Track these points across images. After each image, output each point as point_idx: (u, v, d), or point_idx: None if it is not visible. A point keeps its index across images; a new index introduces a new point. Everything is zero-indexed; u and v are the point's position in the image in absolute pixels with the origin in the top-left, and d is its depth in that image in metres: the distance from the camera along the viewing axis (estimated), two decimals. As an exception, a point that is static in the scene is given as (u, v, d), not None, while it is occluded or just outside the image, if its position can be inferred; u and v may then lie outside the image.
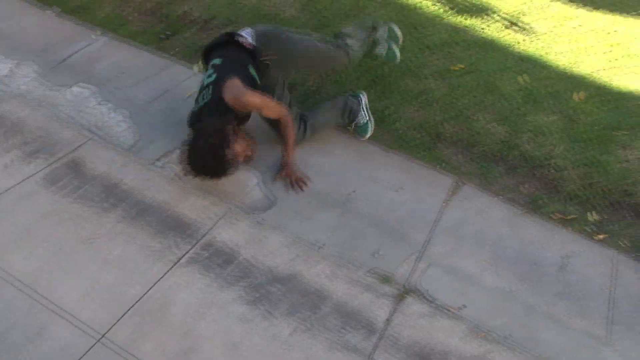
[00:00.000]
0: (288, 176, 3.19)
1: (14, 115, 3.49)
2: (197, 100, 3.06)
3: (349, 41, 3.56)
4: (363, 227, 3.00)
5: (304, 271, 2.70)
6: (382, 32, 3.83)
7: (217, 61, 3.08)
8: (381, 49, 3.83)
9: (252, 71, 3.07)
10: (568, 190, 3.40)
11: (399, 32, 3.94)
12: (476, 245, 2.99)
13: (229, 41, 3.15)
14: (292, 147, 3.20)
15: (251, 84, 3.00)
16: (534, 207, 3.30)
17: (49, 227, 2.79)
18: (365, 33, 3.72)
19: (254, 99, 2.93)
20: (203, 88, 3.04)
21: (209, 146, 2.74)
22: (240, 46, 3.11)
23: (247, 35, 3.18)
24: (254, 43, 3.15)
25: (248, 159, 3.03)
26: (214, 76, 2.99)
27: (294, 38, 3.32)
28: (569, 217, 3.25)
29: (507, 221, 3.17)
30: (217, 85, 2.93)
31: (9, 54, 4.08)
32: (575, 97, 4.19)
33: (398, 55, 3.87)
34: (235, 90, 2.86)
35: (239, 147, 2.87)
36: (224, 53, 3.11)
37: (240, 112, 2.97)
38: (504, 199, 3.33)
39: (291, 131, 3.15)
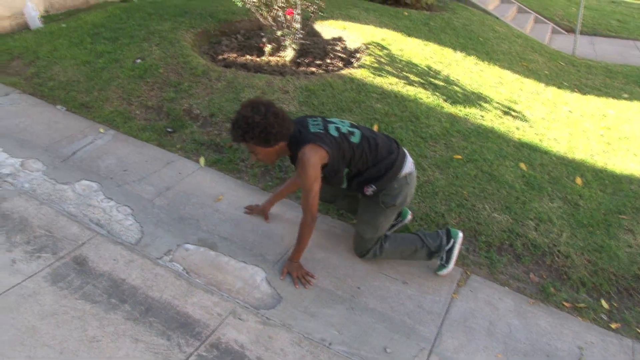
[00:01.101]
0: (291, 272, 3.18)
1: (19, 212, 3.50)
2: (326, 123, 3.02)
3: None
4: (371, 322, 2.95)
5: (313, 371, 2.62)
6: None
7: (357, 136, 3.01)
8: None
9: (345, 174, 3.06)
10: (577, 277, 3.37)
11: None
12: (487, 338, 2.92)
13: (392, 148, 3.09)
14: (303, 248, 3.15)
15: (331, 173, 3.00)
16: (543, 296, 3.26)
17: (53, 326, 2.73)
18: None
19: (309, 174, 2.86)
20: (332, 124, 3.02)
21: (251, 122, 2.80)
22: (387, 162, 3.03)
23: (409, 165, 3.11)
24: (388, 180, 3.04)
25: (253, 156, 3.05)
26: (337, 131, 2.97)
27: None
28: (580, 305, 3.21)
29: (517, 312, 3.12)
30: (322, 139, 2.88)
31: (15, 152, 4.15)
32: (575, 182, 4.24)
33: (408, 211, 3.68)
34: (313, 154, 2.84)
35: (260, 149, 2.92)
36: (368, 144, 3.01)
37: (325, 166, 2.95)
38: (512, 289, 3.30)
39: (307, 233, 3.07)
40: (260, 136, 2.82)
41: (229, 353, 2.66)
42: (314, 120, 3.01)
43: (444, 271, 3.28)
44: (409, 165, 3.06)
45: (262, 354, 2.68)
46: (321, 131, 2.91)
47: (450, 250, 3.24)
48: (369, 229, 3.18)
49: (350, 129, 3.01)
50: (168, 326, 2.78)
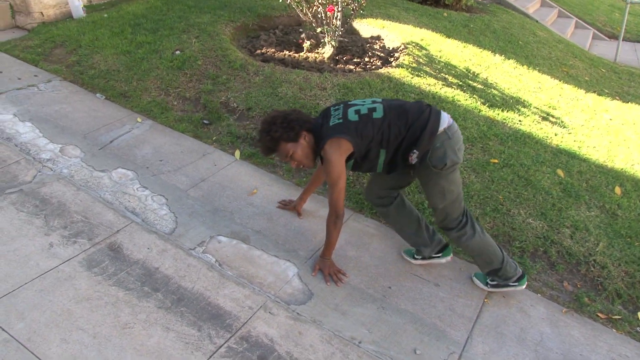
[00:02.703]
0: (323, 269, 3.18)
1: (58, 197, 3.58)
2: (347, 108, 2.88)
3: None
4: (402, 323, 2.93)
5: (341, 368, 2.62)
6: None
7: (379, 110, 2.83)
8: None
9: (382, 156, 2.88)
10: (613, 288, 3.30)
11: None
12: (518, 345, 2.88)
13: (422, 108, 2.85)
14: (332, 244, 3.10)
15: (363, 158, 2.88)
16: (577, 305, 3.20)
17: (87, 310, 2.78)
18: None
19: (332, 170, 2.77)
20: (352, 107, 2.88)
21: (270, 121, 2.88)
22: (420, 122, 2.78)
23: (446, 119, 2.83)
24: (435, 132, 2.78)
25: (292, 162, 2.97)
26: (357, 114, 2.82)
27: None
28: (615, 317, 3.13)
29: (549, 320, 3.07)
30: (341, 129, 2.78)
31: (55, 138, 4.24)
32: (613, 191, 4.15)
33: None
34: (335, 149, 2.75)
35: (291, 146, 2.87)
36: (395, 112, 2.83)
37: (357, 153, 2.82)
38: (545, 296, 3.24)
39: (332, 229, 3.00)
40: (283, 125, 2.84)
41: (259, 347, 2.68)
42: (336, 110, 2.91)
43: (480, 283, 3.24)
44: (445, 120, 2.80)
45: (291, 349, 2.68)
46: (340, 121, 2.81)
47: (506, 286, 3.17)
48: (437, 197, 2.93)
49: (372, 106, 2.86)
50: (199, 317, 2.81)
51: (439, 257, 3.31)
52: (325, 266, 3.17)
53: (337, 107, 2.94)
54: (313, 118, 3.00)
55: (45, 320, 2.70)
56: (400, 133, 2.78)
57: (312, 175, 3.57)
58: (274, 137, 2.84)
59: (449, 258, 3.33)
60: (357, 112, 2.83)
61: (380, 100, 2.92)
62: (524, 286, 3.15)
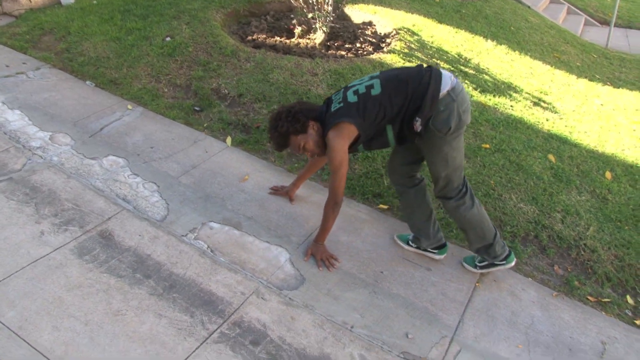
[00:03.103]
0: (315, 254, 3.18)
1: (48, 185, 3.55)
2: (346, 91, 2.85)
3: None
4: (394, 307, 2.94)
5: (334, 353, 2.63)
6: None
7: (377, 86, 2.77)
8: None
9: (390, 131, 2.85)
10: (602, 272, 3.33)
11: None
12: (509, 329, 2.90)
13: (422, 73, 2.74)
14: (327, 230, 3.13)
15: (370, 141, 2.90)
16: (567, 289, 3.22)
17: (79, 298, 2.77)
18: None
19: (334, 156, 2.79)
20: (351, 88, 2.84)
21: (276, 117, 2.93)
22: (421, 89, 2.69)
23: (448, 81, 2.71)
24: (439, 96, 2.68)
25: (306, 153, 2.99)
26: (356, 94, 2.79)
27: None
28: (604, 300, 3.16)
29: (540, 303, 3.09)
30: (342, 112, 2.77)
31: (45, 125, 4.20)
32: (604, 176, 4.17)
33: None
34: (337, 135, 2.76)
35: (301, 137, 2.89)
36: (393, 84, 2.76)
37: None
38: (536, 280, 3.26)
39: (330, 215, 3.02)
40: (288, 119, 2.86)
41: (252, 332, 2.68)
42: (336, 95, 2.91)
43: (469, 267, 3.25)
44: (447, 82, 2.68)
45: (284, 334, 2.69)
46: (341, 105, 2.79)
47: (494, 265, 3.16)
48: (440, 165, 2.85)
49: (369, 83, 2.79)
50: (191, 303, 2.81)
51: (434, 252, 3.29)
52: (318, 251, 3.18)
53: (337, 92, 2.94)
54: (318, 106, 3.00)
55: (36, 308, 2.69)
56: (403, 105, 2.71)
57: (308, 162, 3.55)
58: (282, 132, 2.87)
59: (442, 256, 3.30)
60: (356, 92, 2.79)
61: (377, 74, 2.85)
62: (513, 263, 3.15)
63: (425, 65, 2.81)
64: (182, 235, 3.26)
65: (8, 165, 3.72)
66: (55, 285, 2.83)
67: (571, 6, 11.54)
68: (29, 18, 6.21)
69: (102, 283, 2.88)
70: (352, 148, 2.88)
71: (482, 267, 3.20)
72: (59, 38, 5.68)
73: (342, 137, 2.76)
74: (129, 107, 4.62)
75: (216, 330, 2.67)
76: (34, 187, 3.53)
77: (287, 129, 2.86)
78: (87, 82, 4.97)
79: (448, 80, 2.69)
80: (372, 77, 2.83)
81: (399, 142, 2.91)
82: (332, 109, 2.82)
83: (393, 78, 2.78)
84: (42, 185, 3.56)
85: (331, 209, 2.99)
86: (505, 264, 3.14)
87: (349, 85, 2.91)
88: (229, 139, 4.25)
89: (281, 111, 2.93)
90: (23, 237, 3.12)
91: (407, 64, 5.31)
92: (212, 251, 3.16)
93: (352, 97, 2.78)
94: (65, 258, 3.01)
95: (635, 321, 3.06)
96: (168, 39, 5.46)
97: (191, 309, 2.77)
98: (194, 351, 2.56)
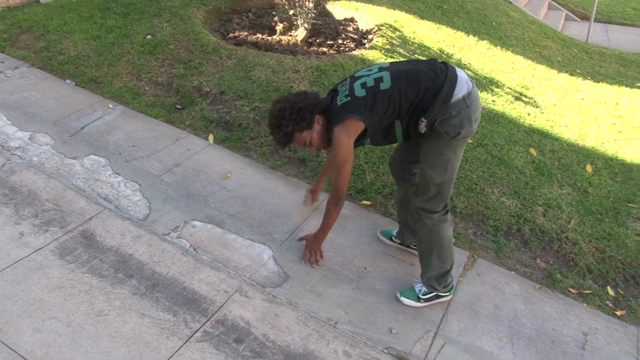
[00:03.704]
0: (307, 245, 3.16)
1: (28, 185, 3.51)
2: (353, 83, 2.67)
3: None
4: (377, 303, 2.95)
5: (318, 349, 2.63)
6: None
7: (387, 80, 2.59)
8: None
9: (398, 127, 2.70)
10: (584, 264, 3.36)
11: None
12: (493, 322, 2.92)
13: (436, 71, 2.59)
14: (329, 226, 2.99)
15: (377, 136, 2.74)
16: (549, 281, 3.25)
17: (60, 299, 2.75)
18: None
19: (339, 153, 2.64)
20: (357, 80, 2.66)
21: (279, 115, 2.69)
22: (433, 89, 2.53)
23: (464, 85, 2.56)
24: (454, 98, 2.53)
25: (311, 148, 2.81)
26: (364, 87, 2.61)
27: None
28: (586, 292, 3.19)
29: (523, 297, 3.12)
30: (349, 108, 2.60)
31: (24, 125, 4.15)
32: (585, 169, 4.21)
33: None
34: (343, 131, 2.61)
35: (306, 133, 2.71)
36: (404, 79, 2.58)
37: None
38: (519, 274, 3.29)
39: (332, 212, 2.89)
40: (292, 117, 2.65)
41: (235, 330, 2.67)
42: (342, 86, 2.73)
43: (409, 301, 2.97)
44: (463, 86, 2.53)
45: (267, 331, 2.68)
46: (348, 99, 2.61)
47: (438, 297, 2.97)
48: (437, 169, 2.67)
49: (378, 75, 2.61)
50: (174, 302, 2.79)
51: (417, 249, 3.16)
52: (311, 243, 3.14)
53: (343, 82, 2.76)
54: (322, 99, 2.80)
55: (17, 310, 2.66)
56: (413, 102, 2.56)
57: (327, 160, 3.50)
58: (287, 131, 2.68)
59: None
60: (364, 85, 2.61)
61: (387, 66, 2.68)
62: (452, 294, 3.03)
63: (440, 62, 2.65)
64: (165, 234, 3.24)
65: (-14, 166, 3.68)
66: (36, 287, 2.80)
67: (552, 1, 11.63)
68: (7, 16, 6.12)
69: (84, 283, 2.85)
70: (359, 142, 2.74)
71: (426, 300, 2.97)
72: (37, 36, 5.61)
73: (348, 134, 2.61)
74: (110, 105, 4.58)
75: (199, 328, 2.66)
76: (13, 188, 3.48)
77: (292, 128, 2.67)
78: (67, 81, 4.92)
79: (464, 84, 2.54)
80: (381, 69, 2.65)
81: (405, 139, 2.77)
82: (339, 103, 2.66)
83: (404, 73, 2.59)
84: (21, 185, 3.51)
85: (333, 205, 2.85)
86: (449, 295, 3.00)
87: (355, 75, 2.73)
88: (211, 137, 4.23)
89: (283, 108, 2.68)
90: (2, 238, 3.08)
91: (390, 60, 5.31)
92: (194, 249, 3.14)
93: (359, 91, 2.60)
94: (46, 259, 2.98)
95: (616, 312, 3.09)
96: (149, 36, 5.41)
97: (174, 308, 2.75)
98: (177, 350, 2.54)
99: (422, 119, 2.55)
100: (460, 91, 2.51)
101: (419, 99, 2.54)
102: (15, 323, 2.59)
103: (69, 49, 5.33)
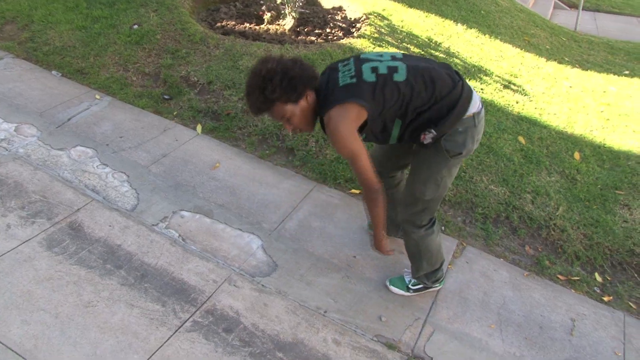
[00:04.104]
0: (379, 251, 2.72)
1: (14, 177, 3.48)
2: (360, 64, 2.35)
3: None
4: (367, 291, 2.95)
5: (307, 338, 2.63)
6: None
7: (402, 71, 2.32)
8: None
9: (397, 128, 2.41)
10: (572, 250, 3.38)
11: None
12: (482, 309, 2.94)
13: (454, 81, 2.38)
14: (379, 224, 2.53)
15: (374, 131, 2.41)
16: (538, 268, 3.27)
17: (48, 291, 2.73)
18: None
19: (343, 144, 2.27)
20: (367, 62, 2.35)
21: (266, 77, 2.22)
22: (449, 99, 2.32)
23: (477, 102, 2.40)
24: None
25: (287, 126, 2.39)
26: (374, 72, 2.30)
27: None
28: (574, 279, 3.22)
29: (511, 283, 3.13)
30: (354, 91, 2.26)
31: (10, 117, 4.10)
32: (573, 157, 4.22)
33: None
34: (342, 116, 2.25)
35: (290, 107, 2.29)
36: (419, 77, 2.32)
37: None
38: (507, 261, 3.30)
39: (372, 207, 2.46)
40: (282, 84, 2.21)
41: (224, 319, 2.67)
42: (345, 65, 2.37)
43: (398, 290, 2.96)
44: (476, 103, 2.38)
45: (257, 320, 2.68)
46: (353, 80, 2.27)
47: (427, 288, 2.96)
48: (430, 186, 2.50)
49: (392, 64, 2.32)
50: (163, 292, 2.78)
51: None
52: (378, 247, 2.68)
53: (346, 62, 2.39)
54: (318, 74, 2.39)
55: (4, 302, 2.64)
56: (423, 105, 2.31)
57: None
58: (270, 98, 2.24)
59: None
60: (375, 70, 2.29)
61: (400, 56, 2.40)
62: (442, 285, 3.02)
63: (456, 72, 2.43)
64: (153, 225, 3.22)
65: (-28, 157, 3.63)
66: (24, 279, 2.78)
67: (541, -10, 11.63)
68: (-9, 7, 6.04)
69: (72, 275, 2.84)
70: None
71: (415, 291, 2.96)
72: (22, 27, 5.53)
73: (349, 120, 2.25)
74: (97, 96, 4.53)
75: (189, 319, 2.65)
76: (-1, 180, 3.45)
77: (277, 96, 2.24)
78: (53, 72, 4.86)
79: (477, 101, 2.39)
80: (394, 58, 2.37)
81: (397, 140, 2.51)
82: (341, 83, 2.29)
83: (420, 70, 2.32)
84: (7, 177, 3.48)
85: (370, 199, 2.43)
86: (439, 286, 2.99)
87: (362, 57, 2.40)
88: (199, 127, 4.21)
89: (273, 69, 2.23)
90: (-12, 230, 3.06)
91: (378, 49, 5.30)
92: (183, 240, 3.13)
93: (369, 75, 2.28)
94: (33, 251, 2.96)
95: (603, 298, 3.12)
96: (135, 26, 5.36)
97: (163, 298, 2.75)
98: (166, 340, 2.54)
99: (431, 130, 2.35)
100: (472, 107, 2.36)
101: (430, 104, 2.31)
102: (3, 315, 2.57)
103: (54, 40, 5.27)
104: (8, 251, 2.93)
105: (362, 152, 2.29)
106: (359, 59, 2.38)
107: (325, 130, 2.36)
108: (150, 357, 2.46)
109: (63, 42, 5.22)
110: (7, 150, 3.73)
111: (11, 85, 4.55)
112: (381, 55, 2.39)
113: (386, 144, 2.58)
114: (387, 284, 2.99)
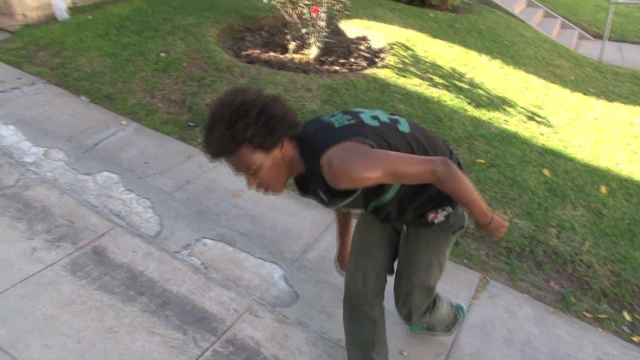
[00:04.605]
0: (492, 234, 1.97)
1: (42, 200, 3.53)
2: (355, 112, 1.94)
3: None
4: (388, 324, 2.91)
5: (328, 371, 2.61)
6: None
7: (404, 124, 1.95)
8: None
9: (391, 192, 1.94)
10: (599, 287, 3.31)
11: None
12: (505, 346, 2.88)
13: (450, 152, 2.07)
14: (474, 201, 1.82)
15: (364, 192, 1.93)
16: (563, 305, 3.21)
17: (70, 315, 2.75)
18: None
19: (366, 175, 1.68)
20: (361, 113, 1.93)
21: (238, 112, 1.71)
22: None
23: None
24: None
25: (250, 180, 1.84)
26: (376, 120, 1.90)
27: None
28: (601, 317, 3.14)
29: (536, 320, 3.07)
30: (355, 130, 1.81)
31: (39, 141, 4.19)
32: (599, 190, 4.17)
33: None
34: (349, 153, 1.71)
35: (259, 156, 1.76)
36: (423, 135, 1.97)
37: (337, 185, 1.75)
38: (532, 296, 3.24)
39: (459, 181, 1.74)
40: (257, 122, 1.71)
41: (245, 350, 2.66)
42: (332, 116, 1.95)
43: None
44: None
45: (277, 352, 2.66)
46: (353, 121, 1.85)
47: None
48: (433, 271, 2.17)
49: (393, 117, 1.97)
50: (184, 320, 2.78)
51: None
52: (493, 229, 1.93)
53: (333, 114, 1.98)
54: (300, 121, 1.89)
55: (27, 325, 2.66)
56: None
57: (336, 214, 2.53)
58: (238, 138, 1.71)
59: None
60: (376, 118, 1.91)
61: (400, 116, 2.03)
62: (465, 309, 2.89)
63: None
64: (176, 252, 3.24)
65: (1, 181, 3.70)
66: (47, 303, 2.81)
67: (565, 20, 11.63)
68: (25, 34, 6.21)
69: (95, 300, 2.85)
70: (343, 198, 1.92)
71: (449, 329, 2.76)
72: (54, 53, 5.68)
73: (356, 153, 1.71)
74: (123, 122, 4.61)
75: (209, 348, 2.65)
76: (27, 203, 3.51)
77: (249, 137, 1.71)
78: (82, 97, 4.97)
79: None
80: (393, 114, 2.02)
81: (377, 215, 2.05)
82: (337, 125, 1.85)
83: (420, 128, 2.01)
84: (35, 201, 3.54)
85: (446, 181, 1.72)
86: (463, 317, 2.84)
87: (352, 110, 1.99)
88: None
89: (250, 102, 1.73)
90: (15, 253, 3.10)
91: (402, 79, 5.32)
92: (205, 267, 3.14)
93: (370, 120, 1.88)
94: (57, 275, 2.99)
95: (633, 338, 3.04)
96: (163, 54, 5.47)
97: (184, 327, 2.74)
98: (186, 370, 2.53)
99: (446, 207, 1.98)
100: None
101: None
102: (26, 339, 2.59)
103: (84, 66, 5.39)
104: (32, 274, 2.97)
105: (391, 158, 1.73)
106: (351, 111, 1.96)
107: (323, 184, 1.83)
108: (170, 386, 2.46)
109: (92, 68, 5.34)
110: (35, 173, 3.80)
111: (41, 110, 4.66)
112: (371, 110, 2.00)
113: (363, 209, 2.03)
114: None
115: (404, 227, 2.17)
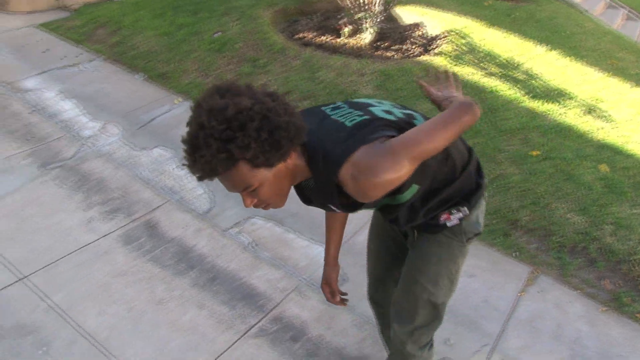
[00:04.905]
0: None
1: (98, 173, 3.64)
2: (365, 105, 1.63)
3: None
4: (435, 312, 2.90)
5: (373, 355, 2.61)
6: None
7: (419, 117, 1.65)
8: None
9: (408, 195, 1.62)
10: (654, 289, 3.20)
11: None
12: (553, 342, 2.82)
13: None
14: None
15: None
16: (616, 304, 3.11)
17: (123, 285, 2.84)
18: None
19: (392, 177, 1.37)
20: (371, 107, 1.61)
21: (236, 111, 1.29)
22: (472, 165, 1.73)
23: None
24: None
25: (246, 199, 1.50)
26: (389, 114, 1.58)
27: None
28: (656, 319, 3.04)
29: (587, 318, 2.99)
30: (373, 125, 1.49)
31: (97, 116, 4.31)
32: (659, 189, 4.01)
33: None
34: (374, 163, 1.36)
35: (262, 173, 1.38)
36: None
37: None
38: (583, 294, 3.16)
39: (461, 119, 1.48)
40: (260, 136, 1.29)
41: (291, 328, 2.68)
42: (338, 108, 1.63)
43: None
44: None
45: (323, 332, 2.68)
46: (366, 117, 1.53)
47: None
48: (443, 284, 1.86)
49: (406, 111, 1.67)
50: (233, 296, 2.83)
51: None
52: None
53: (335, 106, 1.66)
54: (305, 124, 1.44)
55: (83, 292, 2.76)
56: (454, 170, 1.69)
57: (326, 219, 2.24)
58: (235, 156, 1.31)
59: None
60: (389, 112, 1.59)
61: (411, 110, 1.72)
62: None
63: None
64: (226, 229, 3.28)
65: (61, 152, 3.83)
66: (101, 272, 2.90)
67: (630, 11, 11.19)
68: (85, 12, 6.38)
69: (147, 272, 2.93)
70: (356, 206, 1.63)
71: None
72: (112, 32, 5.81)
73: (384, 156, 1.37)
74: (176, 101, 4.69)
75: (256, 324, 2.69)
76: (84, 175, 3.62)
77: (250, 154, 1.31)
78: (137, 75, 5.07)
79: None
80: (405, 108, 1.71)
81: (388, 217, 1.85)
82: (348, 123, 1.51)
83: None
84: (91, 173, 3.64)
85: (464, 113, 1.50)
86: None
87: (359, 102, 1.68)
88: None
89: (248, 109, 1.30)
90: (72, 223, 3.21)
91: (456, 67, 5.23)
92: (254, 246, 3.18)
93: (383, 114, 1.57)
94: (111, 245, 3.08)
95: (688, 341, 2.94)
96: (217, 34, 5.52)
97: (232, 302, 2.79)
98: (233, 344, 2.58)
99: (461, 207, 1.73)
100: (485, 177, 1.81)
101: (460, 172, 1.70)
102: (81, 304, 2.69)
103: (140, 44, 5.50)
104: (88, 244, 3.07)
105: (413, 141, 1.40)
106: (354, 102, 1.67)
107: (339, 196, 1.55)
108: (218, 357, 2.50)
109: (148, 47, 5.45)
110: (92, 147, 3.91)
111: (99, 87, 4.78)
112: (381, 102, 1.69)
113: (375, 208, 1.90)
114: None
115: (414, 233, 1.89)
